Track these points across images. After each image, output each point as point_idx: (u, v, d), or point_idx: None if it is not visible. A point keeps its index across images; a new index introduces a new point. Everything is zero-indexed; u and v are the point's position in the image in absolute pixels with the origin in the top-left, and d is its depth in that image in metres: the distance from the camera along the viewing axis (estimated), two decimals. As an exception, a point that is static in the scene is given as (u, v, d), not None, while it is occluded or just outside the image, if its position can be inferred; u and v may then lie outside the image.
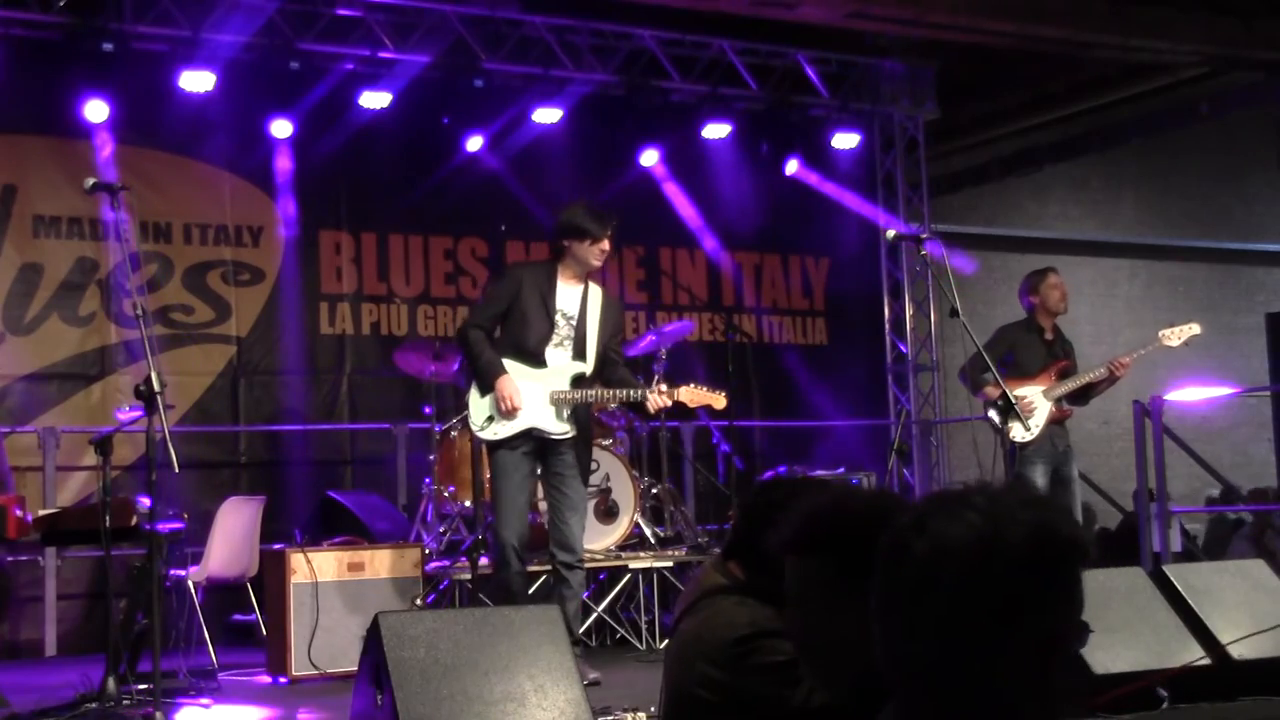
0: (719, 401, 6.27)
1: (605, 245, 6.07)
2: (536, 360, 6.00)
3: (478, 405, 5.96)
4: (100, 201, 8.13)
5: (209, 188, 9.14)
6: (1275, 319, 9.94)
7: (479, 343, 5.97)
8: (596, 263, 6.12)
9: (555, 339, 6.03)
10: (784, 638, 2.98)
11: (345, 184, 9.57)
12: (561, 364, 6.04)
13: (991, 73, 11.34)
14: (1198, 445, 9.69)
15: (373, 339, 9.54)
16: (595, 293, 6.15)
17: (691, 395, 6.21)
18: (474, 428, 5.97)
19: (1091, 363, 7.74)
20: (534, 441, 5.98)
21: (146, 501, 5.21)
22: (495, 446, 5.94)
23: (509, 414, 5.87)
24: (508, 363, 5.94)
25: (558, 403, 5.96)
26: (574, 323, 6.07)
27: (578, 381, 6.04)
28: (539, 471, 6.12)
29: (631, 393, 6.15)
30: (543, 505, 7.20)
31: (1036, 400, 7.36)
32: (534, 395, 5.94)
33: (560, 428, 5.99)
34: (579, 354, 6.06)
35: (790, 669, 2.95)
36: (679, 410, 6.49)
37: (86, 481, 8.36)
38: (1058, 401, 7.45)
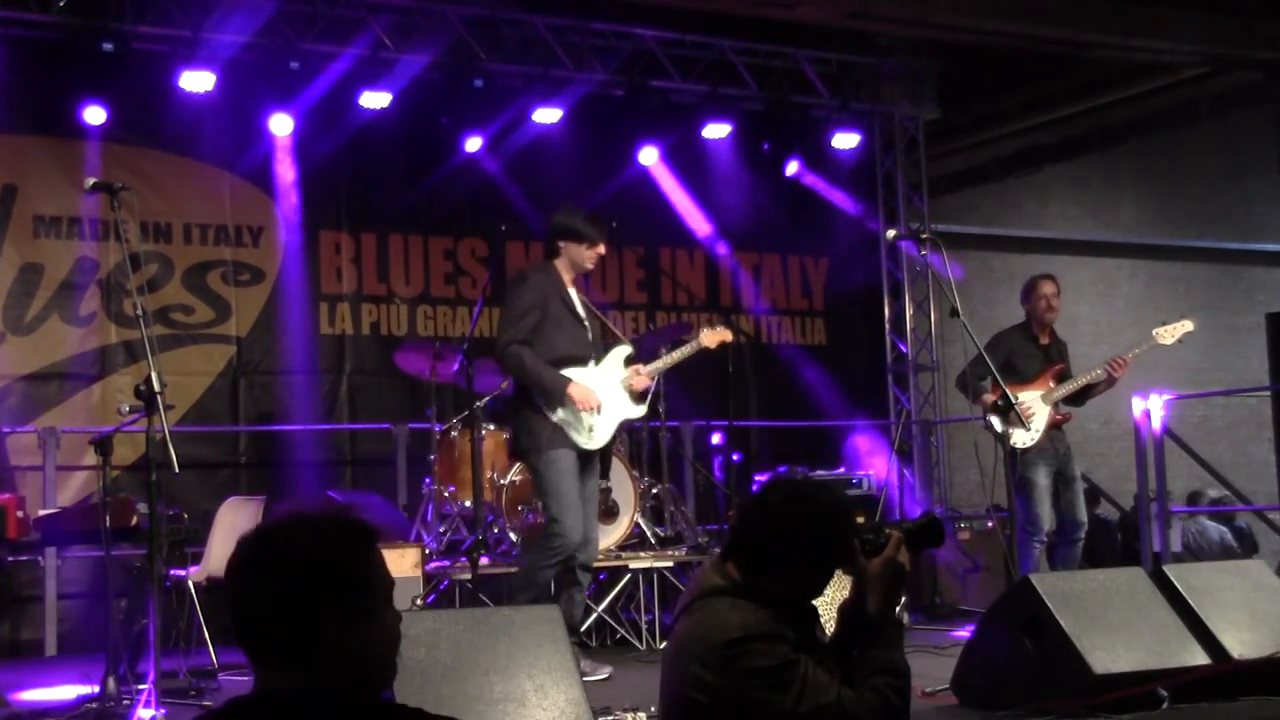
0: (728, 335, 6.59)
1: (601, 249, 6.12)
2: (584, 360, 6.05)
3: (568, 419, 5.91)
4: (100, 201, 8.14)
5: (209, 188, 9.14)
6: (1275, 319, 9.92)
7: (534, 359, 5.91)
8: (590, 266, 6.16)
9: (589, 334, 6.13)
10: (777, 640, 2.99)
11: (345, 184, 9.57)
12: (606, 354, 6.17)
13: (991, 73, 11.34)
14: (1198, 445, 9.69)
15: (373, 339, 9.54)
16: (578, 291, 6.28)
17: (710, 337, 6.50)
18: (582, 443, 5.93)
19: (1091, 364, 7.74)
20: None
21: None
22: (561, 449, 5.90)
23: (597, 411, 5.94)
24: (565, 371, 5.95)
25: (629, 387, 6.11)
26: (588, 317, 6.18)
27: (630, 360, 6.18)
28: None
29: (691, 344, 6.46)
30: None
31: (1035, 405, 7.36)
32: (605, 390, 6.01)
33: (640, 410, 6.21)
34: (613, 339, 6.23)
35: (780, 673, 2.95)
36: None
37: (86, 481, 8.35)
38: (1055, 405, 7.45)
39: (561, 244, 6.10)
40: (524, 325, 5.96)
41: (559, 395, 5.87)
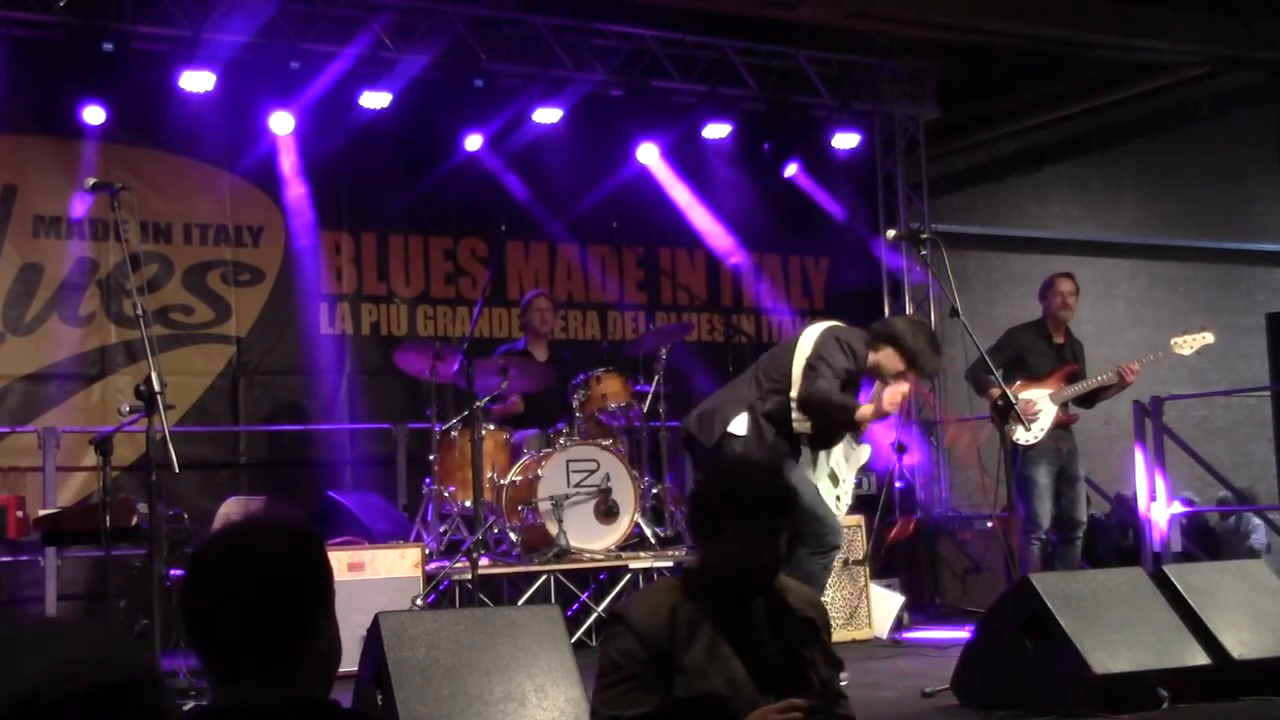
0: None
1: (913, 378, 5.88)
2: None
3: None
4: (100, 201, 8.14)
5: (209, 188, 9.13)
6: (1275, 319, 9.93)
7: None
8: (890, 380, 5.82)
9: None
10: (646, 641, 3.10)
11: (345, 184, 9.56)
12: None
13: (991, 73, 11.34)
14: (1198, 445, 9.69)
15: (373, 339, 9.54)
16: None
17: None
18: None
19: (1093, 364, 7.73)
20: None
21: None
22: None
23: None
24: None
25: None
26: None
27: None
28: None
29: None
30: (543, 505, 7.22)
31: (1042, 404, 7.35)
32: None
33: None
34: None
35: (608, 662, 3.17)
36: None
37: (86, 481, 8.35)
38: (1064, 405, 7.44)
39: (885, 347, 5.77)
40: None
41: None
